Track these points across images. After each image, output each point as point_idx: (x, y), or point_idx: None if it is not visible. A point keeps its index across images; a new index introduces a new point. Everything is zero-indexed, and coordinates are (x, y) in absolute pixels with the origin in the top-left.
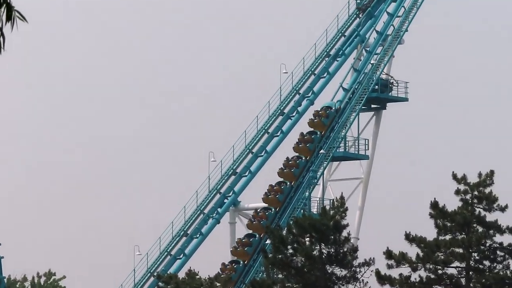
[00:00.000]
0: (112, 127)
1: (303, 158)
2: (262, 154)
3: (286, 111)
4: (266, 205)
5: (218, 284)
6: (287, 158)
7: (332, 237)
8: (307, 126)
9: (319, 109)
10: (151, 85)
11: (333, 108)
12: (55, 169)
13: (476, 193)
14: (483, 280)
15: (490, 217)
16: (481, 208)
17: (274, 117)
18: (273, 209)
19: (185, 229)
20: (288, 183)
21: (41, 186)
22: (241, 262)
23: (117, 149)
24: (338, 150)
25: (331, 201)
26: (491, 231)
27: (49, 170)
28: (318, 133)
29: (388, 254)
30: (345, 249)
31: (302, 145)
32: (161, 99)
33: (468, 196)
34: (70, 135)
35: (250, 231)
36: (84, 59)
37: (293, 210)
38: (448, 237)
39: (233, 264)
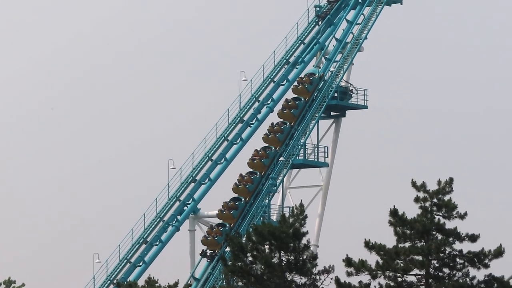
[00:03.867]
0: (68, 137)
1: (288, 123)
2: (221, 161)
3: (245, 118)
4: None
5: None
6: (272, 123)
7: (292, 244)
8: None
9: (302, 76)
10: (110, 96)
11: (317, 75)
12: (16, 176)
13: (435, 200)
14: None
15: (449, 224)
16: (440, 215)
17: (234, 124)
18: (242, 199)
19: (144, 237)
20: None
21: None
22: (227, 225)
23: (74, 156)
24: (297, 158)
25: (291, 208)
26: (451, 239)
27: (9, 176)
28: (302, 99)
29: (348, 261)
30: (305, 257)
31: (287, 111)
32: (120, 104)
33: (427, 204)
34: (26, 142)
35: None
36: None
37: (252, 218)
38: (407, 244)
39: (220, 227)
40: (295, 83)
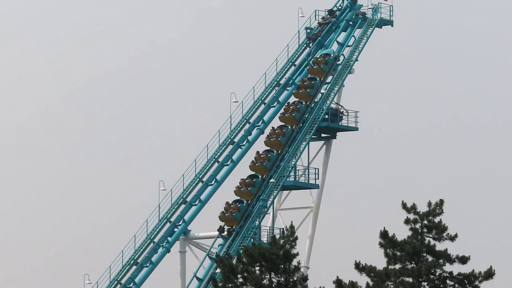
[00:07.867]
0: (57, 156)
1: (304, 103)
2: (212, 183)
3: (236, 140)
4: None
5: None
6: (288, 103)
7: (282, 266)
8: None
9: (318, 57)
10: (96, 115)
11: (332, 55)
12: (1, 198)
13: (425, 222)
14: None
15: (439, 246)
16: (430, 237)
17: (224, 146)
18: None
19: (135, 258)
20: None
21: None
22: (245, 201)
23: (64, 177)
24: (288, 179)
25: (281, 230)
26: (441, 261)
27: None
28: (318, 79)
29: (338, 283)
30: (295, 278)
31: (302, 91)
32: (109, 125)
33: (417, 225)
34: (13, 158)
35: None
36: None
37: (243, 239)
38: (398, 266)
39: (237, 204)
40: (311, 64)
